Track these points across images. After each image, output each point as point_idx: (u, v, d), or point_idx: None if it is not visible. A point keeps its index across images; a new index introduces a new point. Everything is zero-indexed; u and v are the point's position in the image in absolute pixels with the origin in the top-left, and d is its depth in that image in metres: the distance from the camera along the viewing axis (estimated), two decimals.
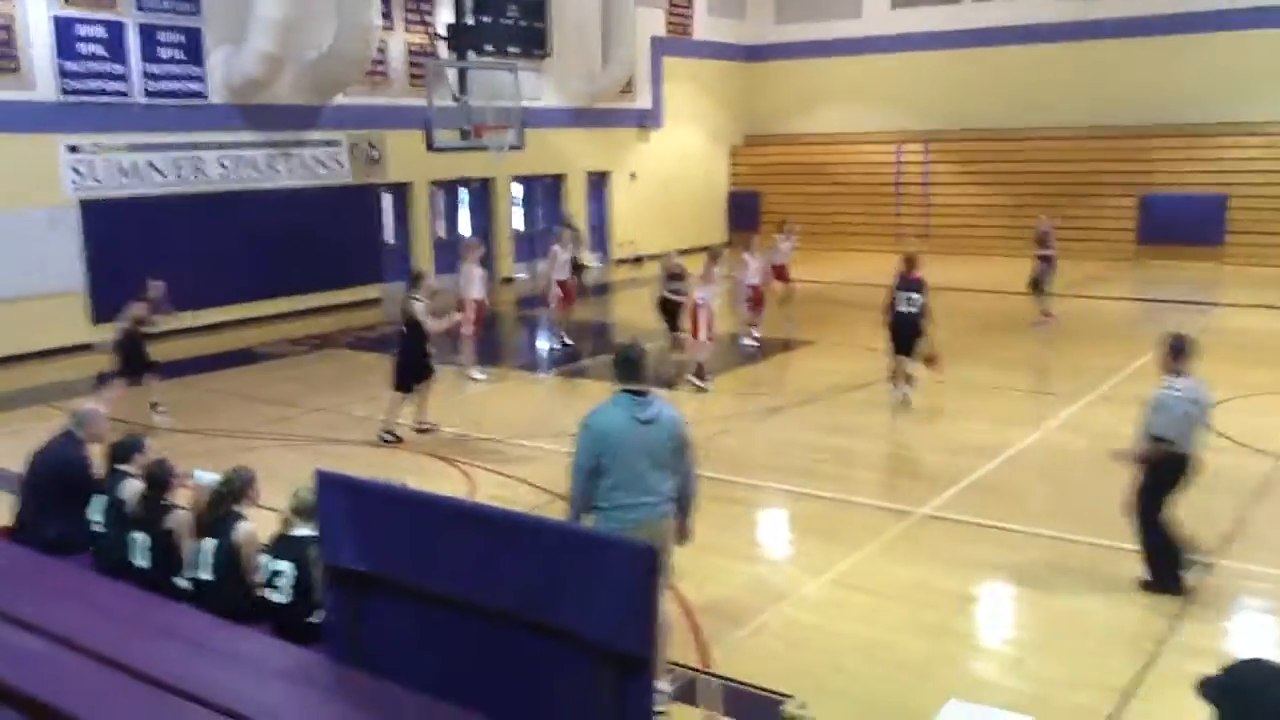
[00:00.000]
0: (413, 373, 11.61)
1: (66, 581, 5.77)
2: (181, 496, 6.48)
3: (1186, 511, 8.69)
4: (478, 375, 14.46)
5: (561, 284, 16.64)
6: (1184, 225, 24.79)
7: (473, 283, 14.53)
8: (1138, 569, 7.34)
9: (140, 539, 6.21)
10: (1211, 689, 3.07)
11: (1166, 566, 7.19)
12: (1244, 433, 10.87)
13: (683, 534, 6.15)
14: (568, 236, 17.58)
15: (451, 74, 18.94)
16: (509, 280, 23.82)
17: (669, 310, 14.44)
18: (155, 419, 12.11)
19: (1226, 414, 11.59)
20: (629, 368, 5.90)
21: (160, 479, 6.35)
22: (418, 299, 11.63)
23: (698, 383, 13.50)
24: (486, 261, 22.86)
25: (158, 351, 12.62)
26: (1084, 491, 9.31)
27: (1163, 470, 7.11)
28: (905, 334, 12.21)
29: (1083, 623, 6.82)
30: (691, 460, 6.01)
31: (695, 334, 13.71)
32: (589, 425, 5.80)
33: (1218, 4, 24.45)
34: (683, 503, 6.03)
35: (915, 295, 12.16)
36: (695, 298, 13.81)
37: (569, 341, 16.74)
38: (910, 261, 12.45)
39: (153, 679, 4.43)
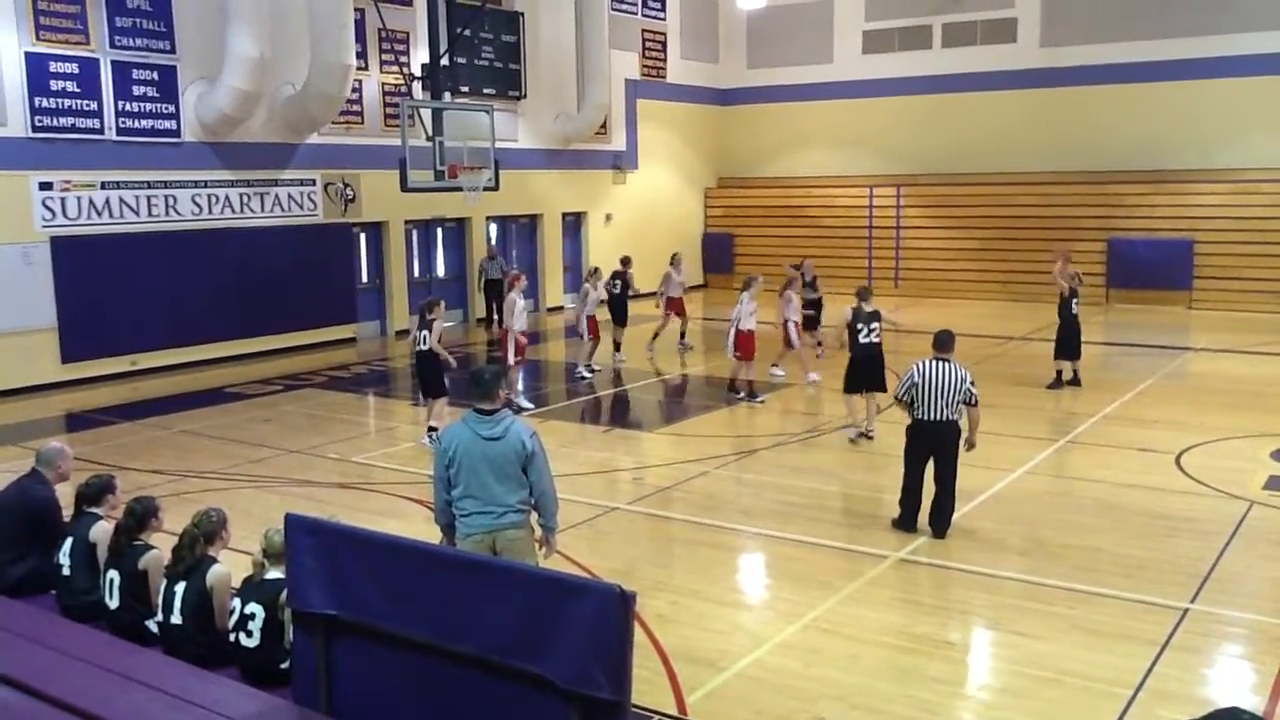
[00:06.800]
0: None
1: (32, 625, 5.65)
2: (156, 537, 6.35)
3: (1160, 558, 8.75)
4: (525, 404, 15.09)
5: (590, 320, 17.37)
6: (1153, 269, 25.09)
7: (517, 314, 14.89)
8: (1113, 613, 7.30)
9: (114, 577, 6.09)
10: None
11: None
12: (1216, 477, 10.93)
13: (545, 545, 6.54)
14: (598, 276, 18.31)
15: (426, 114, 19.00)
16: (483, 320, 23.68)
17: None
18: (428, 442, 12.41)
19: (1198, 458, 11.73)
20: (479, 387, 6.32)
21: (140, 515, 6.21)
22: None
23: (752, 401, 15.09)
24: (462, 302, 23.14)
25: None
26: (1057, 535, 9.33)
27: None
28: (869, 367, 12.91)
29: (1058, 667, 6.78)
30: (540, 473, 6.26)
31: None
32: (440, 440, 6.41)
33: (1184, 52, 24.87)
34: (541, 515, 6.39)
35: (875, 325, 12.99)
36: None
37: (596, 369, 17.56)
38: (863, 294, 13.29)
39: None
